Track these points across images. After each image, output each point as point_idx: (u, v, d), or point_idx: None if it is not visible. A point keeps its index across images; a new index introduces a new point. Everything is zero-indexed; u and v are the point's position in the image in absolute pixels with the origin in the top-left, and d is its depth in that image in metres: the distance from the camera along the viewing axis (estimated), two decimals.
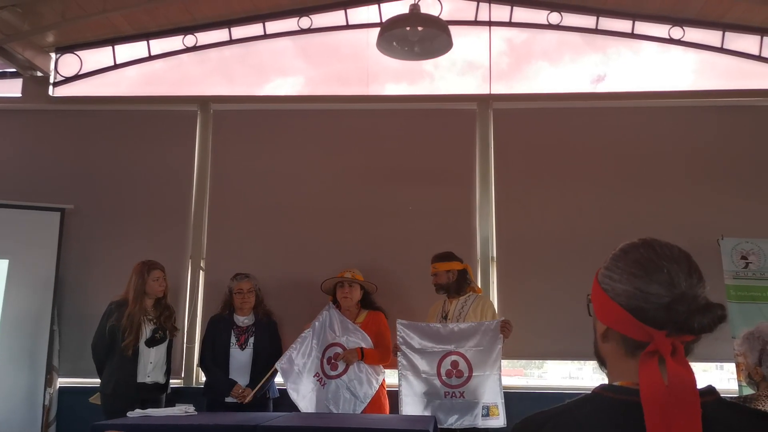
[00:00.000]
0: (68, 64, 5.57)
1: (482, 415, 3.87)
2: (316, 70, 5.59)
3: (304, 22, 5.45)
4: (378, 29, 4.43)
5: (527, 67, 5.49)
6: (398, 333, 4.06)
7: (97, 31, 5.42)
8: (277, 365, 4.11)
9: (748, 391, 2.80)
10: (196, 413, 3.56)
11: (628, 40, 5.33)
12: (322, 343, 4.25)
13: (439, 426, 3.76)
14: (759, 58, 5.23)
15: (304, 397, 4.11)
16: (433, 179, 5.13)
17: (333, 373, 4.16)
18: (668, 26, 5.25)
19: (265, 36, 5.52)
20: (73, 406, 4.76)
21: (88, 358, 4.40)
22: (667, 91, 5.20)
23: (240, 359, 4.40)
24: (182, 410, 3.53)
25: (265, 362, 4.29)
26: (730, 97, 5.17)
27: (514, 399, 4.12)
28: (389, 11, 5.16)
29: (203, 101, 5.44)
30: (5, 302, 4.79)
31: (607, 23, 5.32)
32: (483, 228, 5.08)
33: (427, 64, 5.29)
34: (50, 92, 5.54)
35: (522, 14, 5.39)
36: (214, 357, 4.41)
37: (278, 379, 4.32)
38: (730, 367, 4.54)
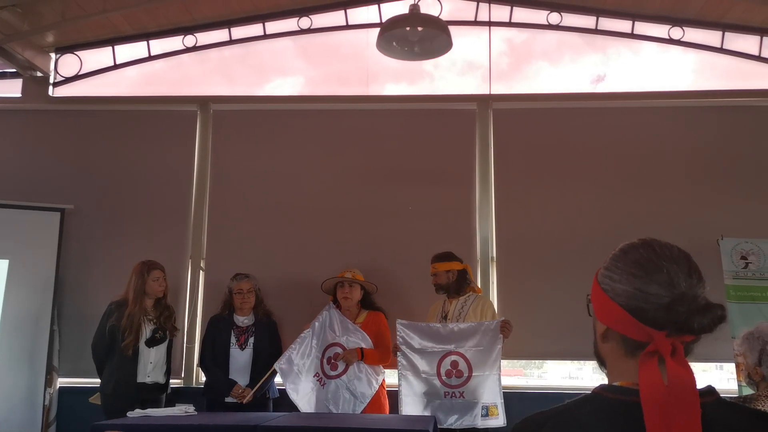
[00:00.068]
0: (68, 64, 5.57)
1: (482, 416, 3.87)
2: (316, 70, 5.59)
3: (304, 22, 5.45)
4: (378, 29, 4.43)
5: (527, 67, 5.49)
6: (398, 333, 4.06)
7: (97, 31, 5.42)
8: (276, 366, 4.11)
9: (748, 391, 2.80)
10: (196, 413, 3.56)
11: (628, 41, 5.33)
12: (322, 343, 4.25)
13: (438, 426, 3.76)
14: (759, 58, 5.23)
15: (304, 397, 4.11)
16: (433, 179, 5.13)
17: (333, 373, 4.16)
18: (668, 26, 5.25)
19: (265, 36, 5.52)
20: (73, 406, 4.76)
21: (88, 358, 4.40)
22: (667, 91, 5.21)
23: (240, 359, 4.40)
24: (182, 410, 3.53)
25: (264, 362, 4.29)
26: (729, 98, 5.17)
27: (513, 399, 4.12)
28: (389, 11, 5.16)
29: (203, 101, 5.44)
30: (5, 302, 4.79)
31: (607, 23, 5.32)
32: (483, 228, 5.08)
33: (427, 65, 5.29)
34: (50, 92, 5.54)
35: (522, 14, 5.39)
36: (214, 357, 4.41)
37: (278, 379, 4.32)
38: (730, 367, 4.54)
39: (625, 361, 1.05)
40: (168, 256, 4.79)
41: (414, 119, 5.32)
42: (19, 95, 5.56)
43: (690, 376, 0.97)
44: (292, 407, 4.10)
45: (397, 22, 4.35)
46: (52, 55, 5.57)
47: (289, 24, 5.48)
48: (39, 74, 5.49)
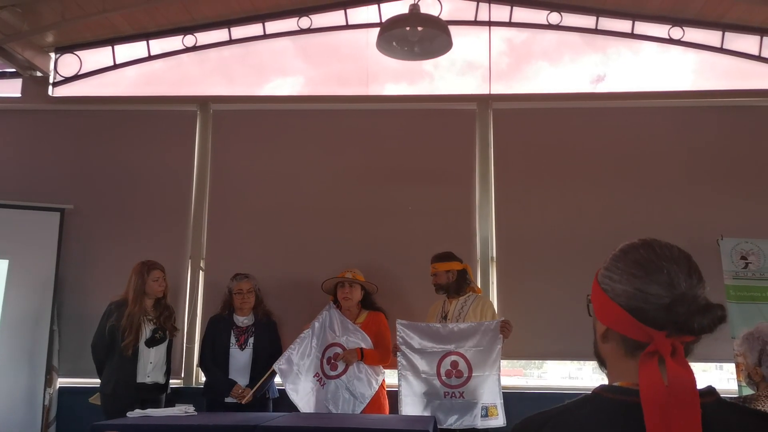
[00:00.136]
0: (68, 64, 5.57)
1: (481, 416, 3.86)
2: (315, 70, 5.59)
3: (304, 22, 5.45)
4: (378, 29, 4.43)
5: (527, 67, 5.49)
6: (398, 333, 4.06)
7: (96, 31, 5.42)
8: (276, 366, 4.11)
9: (748, 391, 2.80)
10: (195, 413, 3.56)
11: (628, 40, 5.33)
12: (322, 343, 4.25)
13: (438, 426, 3.76)
14: (759, 58, 5.23)
15: (304, 397, 4.11)
16: (433, 179, 5.13)
17: (333, 374, 4.16)
18: (668, 26, 5.25)
19: (265, 36, 5.52)
20: (73, 407, 4.76)
21: (87, 358, 4.40)
22: (666, 91, 5.20)
23: (240, 359, 4.40)
24: (182, 410, 3.53)
25: (264, 362, 4.29)
26: (729, 98, 5.17)
27: (513, 399, 4.12)
28: (389, 11, 5.16)
29: (203, 101, 5.44)
30: (5, 302, 4.79)
31: (607, 23, 5.32)
32: (483, 228, 5.08)
33: (427, 64, 5.29)
34: (50, 92, 5.54)
35: (522, 14, 5.39)
36: (214, 357, 4.41)
37: (278, 379, 4.32)
38: (730, 368, 4.54)
39: (625, 361, 1.05)
40: (168, 256, 4.79)
41: (414, 119, 5.32)
42: (19, 95, 5.55)
43: (690, 376, 0.97)
44: (291, 407, 4.10)
45: (397, 22, 4.35)
46: (52, 55, 5.57)
47: (289, 24, 5.48)
48: (39, 74, 5.49)
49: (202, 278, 5.18)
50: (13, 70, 5.46)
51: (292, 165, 5.24)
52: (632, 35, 5.30)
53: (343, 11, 5.46)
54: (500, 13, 5.39)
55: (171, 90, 5.49)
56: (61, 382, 4.95)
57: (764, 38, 5.22)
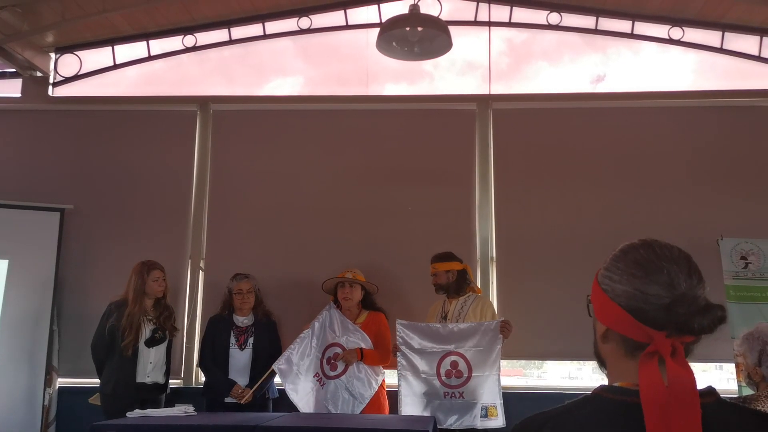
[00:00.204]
0: (68, 64, 5.57)
1: (481, 416, 3.86)
2: (315, 70, 5.59)
3: (304, 22, 5.45)
4: (378, 29, 4.43)
5: (527, 67, 5.49)
6: (398, 333, 4.06)
7: (96, 32, 5.42)
8: (275, 366, 4.11)
9: (748, 391, 2.80)
10: (195, 413, 3.56)
11: (628, 41, 5.33)
12: (322, 343, 4.25)
13: (438, 426, 3.76)
14: (758, 58, 5.23)
15: (303, 397, 4.11)
16: (432, 179, 5.13)
17: (332, 374, 4.16)
18: (668, 26, 5.25)
19: (265, 36, 5.52)
20: (73, 407, 4.75)
21: (87, 358, 4.39)
22: (666, 91, 5.21)
23: (239, 359, 4.40)
24: (182, 410, 3.53)
25: (264, 362, 4.29)
26: (729, 98, 5.17)
27: (513, 399, 4.12)
28: (389, 11, 5.16)
29: (203, 101, 5.44)
30: (5, 302, 4.79)
31: (607, 23, 5.32)
32: (482, 228, 5.08)
33: (427, 65, 5.29)
34: (50, 92, 5.54)
35: (521, 14, 5.39)
36: (214, 357, 4.41)
37: (278, 379, 4.32)
38: (730, 368, 4.54)
39: (625, 361, 1.05)
40: (168, 256, 4.79)
41: (414, 119, 5.32)
42: (19, 95, 5.56)
43: (690, 376, 0.97)
44: (291, 407, 4.10)
45: (396, 22, 4.35)
46: (52, 55, 5.57)
47: (289, 24, 5.48)
48: (39, 74, 5.49)
49: (202, 278, 5.18)
50: (13, 70, 5.46)
51: (292, 165, 5.24)
52: (632, 35, 5.30)
53: (343, 11, 5.46)
54: (500, 13, 5.39)
55: (171, 90, 5.49)
56: (61, 382, 4.95)
57: (764, 38, 5.22)
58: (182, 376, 5.00)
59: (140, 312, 4.28)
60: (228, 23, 5.47)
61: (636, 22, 5.27)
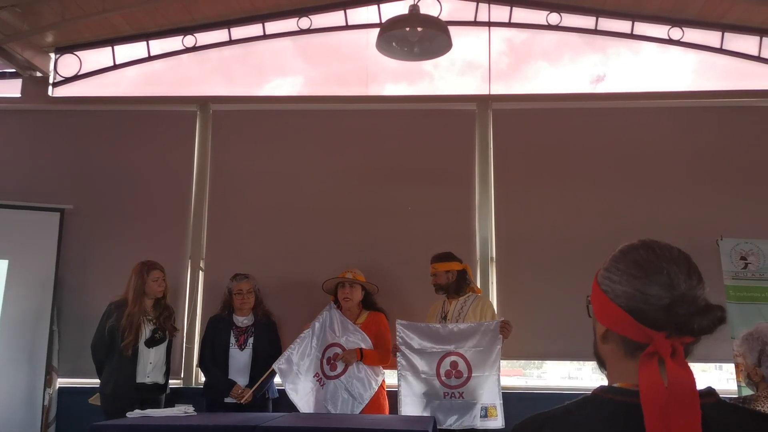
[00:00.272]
0: (68, 64, 5.57)
1: (480, 416, 3.86)
2: (315, 70, 5.59)
3: (304, 22, 5.45)
4: (377, 30, 4.43)
5: (527, 67, 5.49)
6: (397, 333, 4.06)
7: (96, 32, 5.42)
8: (275, 366, 4.11)
9: (748, 391, 2.81)
10: (195, 414, 3.56)
11: (628, 41, 5.33)
12: (322, 344, 4.25)
13: (438, 426, 3.76)
14: (758, 58, 5.23)
15: (303, 397, 4.11)
16: (432, 179, 5.13)
17: (332, 374, 4.16)
18: (668, 27, 5.25)
19: (265, 36, 5.52)
20: (73, 407, 4.75)
21: (87, 359, 4.39)
22: (666, 91, 5.21)
23: (239, 359, 4.40)
24: (181, 411, 3.53)
25: (264, 362, 4.29)
26: (729, 98, 5.17)
27: (513, 399, 4.12)
28: (389, 12, 5.17)
29: (203, 101, 5.44)
30: (5, 302, 4.79)
31: (607, 24, 5.32)
32: (482, 228, 5.08)
33: (427, 65, 5.29)
34: (50, 92, 5.54)
35: (521, 15, 5.39)
36: (214, 357, 4.41)
37: (278, 379, 4.32)
38: (730, 368, 4.54)
39: (625, 362, 1.05)
40: (167, 256, 4.79)
41: (413, 119, 5.32)
42: (19, 95, 5.56)
43: (690, 377, 0.97)
44: (291, 407, 4.10)
45: (396, 22, 4.35)
46: (52, 55, 5.57)
47: (289, 24, 5.48)
48: (38, 74, 5.49)
49: (202, 278, 5.18)
50: (13, 70, 5.46)
51: (292, 165, 5.24)
52: (632, 35, 5.31)
53: (342, 12, 5.46)
54: (500, 13, 5.39)
55: (171, 90, 5.49)
56: (61, 382, 4.95)
57: (764, 38, 5.22)
58: (182, 376, 5.00)
59: (140, 312, 4.28)
60: (228, 23, 5.47)
61: (636, 23, 5.28)
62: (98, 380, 4.34)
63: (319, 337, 4.25)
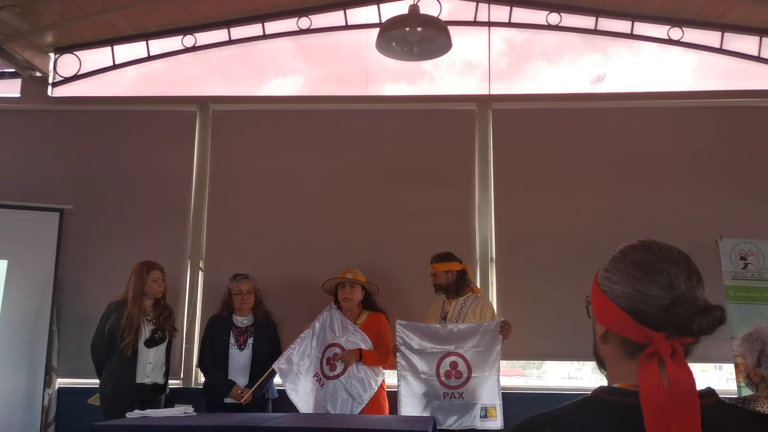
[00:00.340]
0: (67, 64, 5.57)
1: (480, 417, 3.86)
2: (315, 70, 5.59)
3: (304, 22, 5.45)
4: (377, 30, 4.43)
5: (526, 67, 5.49)
6: (397, 333, 4.06)
7: (96, 32, 5.42)
8: (275, 366, 4.11)
9: (747, 392, 2.81)
10: (195, 414, 3.56)
11: (628, 41, 5.33)
12: (322, 344, 4.25)
13: (438, 427, 3.76)
14: (758, 58, 5.23)
15: (303, 397, 4.11)
16: (432, 179, 5.13)
17: (331, 374, 4.16)
18: (667, 27, 5.25)
19: (265, 36, 5.52)
20: (72, 407, 4.75)
21: (87, 359, 4.39)
22: (666, 91, 5.21)
23: (239, 360, 4.40)
24: (181, 411, 3.53)
25: (264, 363, 4.29)
26: (729, 98, 5.17)
27: (513, 399, 4.12)
28: (388, 12, 5.16)
29: (202, 101, 5.43)
30: (4, 303, 4.78)
31: (607, 24, 5.32)
32: (482, 228, 5.08)
33: (427, 65, 5.29)
34: (49, 92, 5.54)
35: (521, 15, 5.39)
36: (213, 357, 4.41)
37: (277, 379, 4.32)
38: (729, 368, 4.54)
39: (624, 362, 1.05)
40: (167, 256, 4.79)
41: (413, 119, 5.32)
42: (18, 95, 5.55)
43: (689, 377, 0.97)
44: (291, 408, 4.10)
45: (396, 22, 4.35)
46: (51, 55, 5.57)
47: (289, 24, 5.48)
48: (38, 74, 5.49)
49: (202, 278, 5.18)
50: (13, 70, 5.46)
51: (292, 165, 5.24)
52: (632, 36, 5.30)
53: (342, 12, 5.46)
54: (500, 13, 5.39)
55: (171, 90, 5.49)
56: (61, 382, 4.95)
57: (763, 39, 5.22)
58: (182, 376, 5.00)
59: (140, 312, 4.28)
60: (228, 23, 5.47)
61: (636, 23, 5.28)
62: (98, 380, 4.34)
63: (319, 337, 4.25)
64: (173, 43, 5.54)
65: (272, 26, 5.50)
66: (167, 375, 4.44)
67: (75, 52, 5.57)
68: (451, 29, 4.44)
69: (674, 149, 5.08)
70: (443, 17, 5.09)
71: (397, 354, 4.04)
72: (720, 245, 4.61)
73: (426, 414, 3.90)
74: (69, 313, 5.04)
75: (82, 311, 4.93)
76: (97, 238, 5.16)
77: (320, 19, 5.46)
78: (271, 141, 5.31)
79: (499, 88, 5.32)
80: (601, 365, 1.13)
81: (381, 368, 4.27)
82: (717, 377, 5.00)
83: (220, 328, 4.47)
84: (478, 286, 4.70)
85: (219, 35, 5.52)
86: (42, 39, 5.36)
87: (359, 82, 5.35)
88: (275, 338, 4.56)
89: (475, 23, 5.41)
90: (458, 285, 4.22)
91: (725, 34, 5.23)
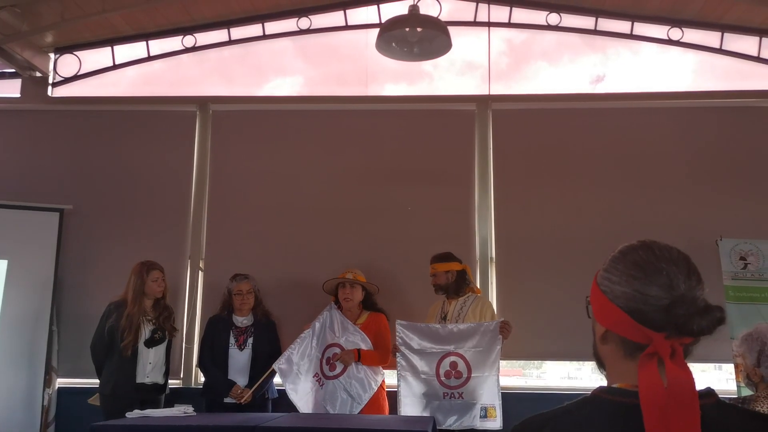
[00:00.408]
0: (67, 64, 5.57)
1: (480, 417, 3.86)
2: (315, 70, 5.59)
3: (304, 22, 5.45)
4: (377, 30, 4.43)
5: (526, 67, 5.49)
6: (397, 333, 4.06)
7: (96, 32, 5.42)
8: (275, 366, 4.11)
9: (747, 392, 2.81)
10: (195, 414, 3.56)
11: (627, 41, 5.33)
12: (322, 344, 4.25)
13: (437, 427, 3.76)
14: (758, 59, 5.23)
15: (303, 397, 4.11)
16: (432, 179, 5.13)
17: (331, 374, 4.16)
18: (667, 27, 5.25)
19: (265, 36, 5.52)
20: (72, 407, 4.75)
21: (87, 359, 4.39)
22: (666, 91, 5.21)
23: (239, 360, 4.40)
24: (181, 411, 3.53)
25: (263, 363, 4.29)
26: (729, 98, 5.17)
27: (512, 399, 4.12)
28: (388, 12, 5.16)
29: (202, 102, 5.44)
30: (4, 303, 4.78)
31: (606, 24, 5.32)
32: (482, 228, 5.08)
33: (427, 65, 5.29)
34: (49, 92, 5.54)
35: (521, 15, 5.39)
36: (213, 357, 4.41)
37: (277, 379, 4.32)
38: (729, 368, 4.54)
39: (624, 362, 1.05)
40: (167, 256, 4.79)
41: (413, 120, 5.32)
42: (18, 95, 5.55)
43: (689, 378, 0.97)
44: (291, 408, 4.10)
45: (396, 22, 4.35)
46: (51, 55, 5.57)
47: (289, 24, 5.48)
48: (38, 74, 5.49)
49: (202, 278, 5.18)
50: (13, 70, 5.46)
51: (292, 165, 5.24)
52: (631, 36, 5.31)
53: (342, 12, 5.46)
54: (499, 13, 5.39)
55: (170, 90, 5.49)
56: (61, 382, 4.95)
57: (763, 39, 5.22)
58: (182, 376, 5.00)
59: (139, 312, 4.28)
60: (227, 23, 5.47)
61: (635, 23, 5.28)
62: (98, 380, 4.34)
63: (319, 337, 4.25)
64: (173, 43, 5.54)
65: (272, 26, 5.50)
66: (167, 375, 4.44)
67: (75, 52, 5.58)
68: (451, 29, 4.45)
69: (674, 149, 5.08)
70: (443, 17, 5.09)
71: (397, 354, 4.04)
72: (720, 245, 4.61)
73: (426, 414, 3.90)
74: (69, 313, 5.04)
75: (82, 311, 4.93)
76: (97, 238, 5.16)
77: (320, 20, 5.46)
78: (271, 141, 5.31)
79: (498, 89, 5.32)
80: (601, 365, 1.13)
81: (381, 368, 4.27)
82: (717, 377, 5.01)
83: (220, 328, 4.48)
84: (478, 286, 4.70)
85: (219, 35, 5.52)
86: (42, 39, 5.36)
87: (359, 82, 5.36)
88: (275, 338, 4.56)
89: (474, 23, 5.41)
90: (458, 285, 4.23)
91: (725, 34, 5.23)
